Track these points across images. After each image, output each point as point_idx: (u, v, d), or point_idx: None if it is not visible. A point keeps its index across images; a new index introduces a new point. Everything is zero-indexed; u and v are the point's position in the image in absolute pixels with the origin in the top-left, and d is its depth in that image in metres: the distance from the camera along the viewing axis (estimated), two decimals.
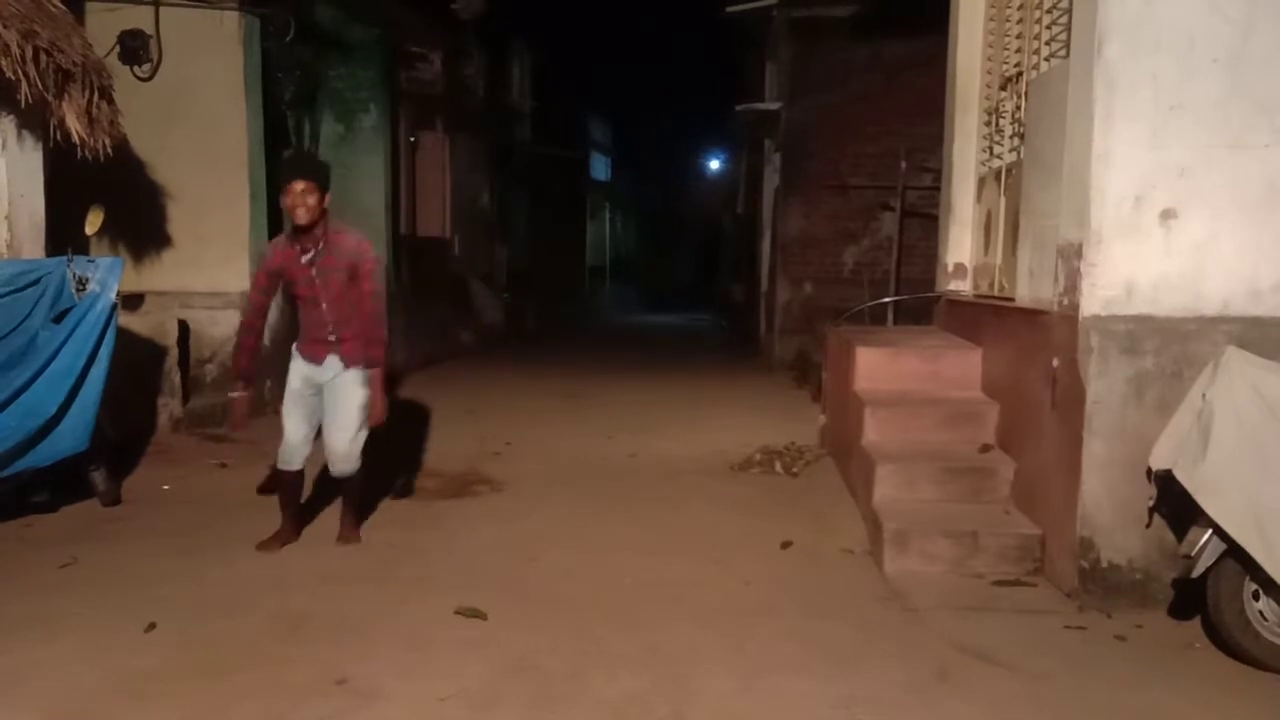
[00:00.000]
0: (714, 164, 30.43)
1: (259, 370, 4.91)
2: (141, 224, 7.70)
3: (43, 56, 5.28)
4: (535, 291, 17.84)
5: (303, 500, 5.01)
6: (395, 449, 7.11)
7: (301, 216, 4.46)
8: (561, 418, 8.54)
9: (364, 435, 4.74)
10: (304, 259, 4.57)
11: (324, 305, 4.62)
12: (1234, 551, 3.49)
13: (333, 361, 4.66)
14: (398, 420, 8.28)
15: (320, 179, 4.51)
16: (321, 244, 4.56)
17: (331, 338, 4.65)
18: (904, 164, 10.37)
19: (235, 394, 4.76)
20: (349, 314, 4.63)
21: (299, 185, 4.44)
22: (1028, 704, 3.26)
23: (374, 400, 4.70)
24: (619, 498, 5.84)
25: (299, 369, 4.73)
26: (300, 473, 4.84)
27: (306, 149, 10.71)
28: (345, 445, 4.70)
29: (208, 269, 7.98)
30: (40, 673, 3.36)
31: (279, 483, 4.90)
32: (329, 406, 4.71)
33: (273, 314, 8.35)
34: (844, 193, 11.62)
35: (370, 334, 4.66)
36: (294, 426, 4.73)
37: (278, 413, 7.98)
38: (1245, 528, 3.44)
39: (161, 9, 7.73)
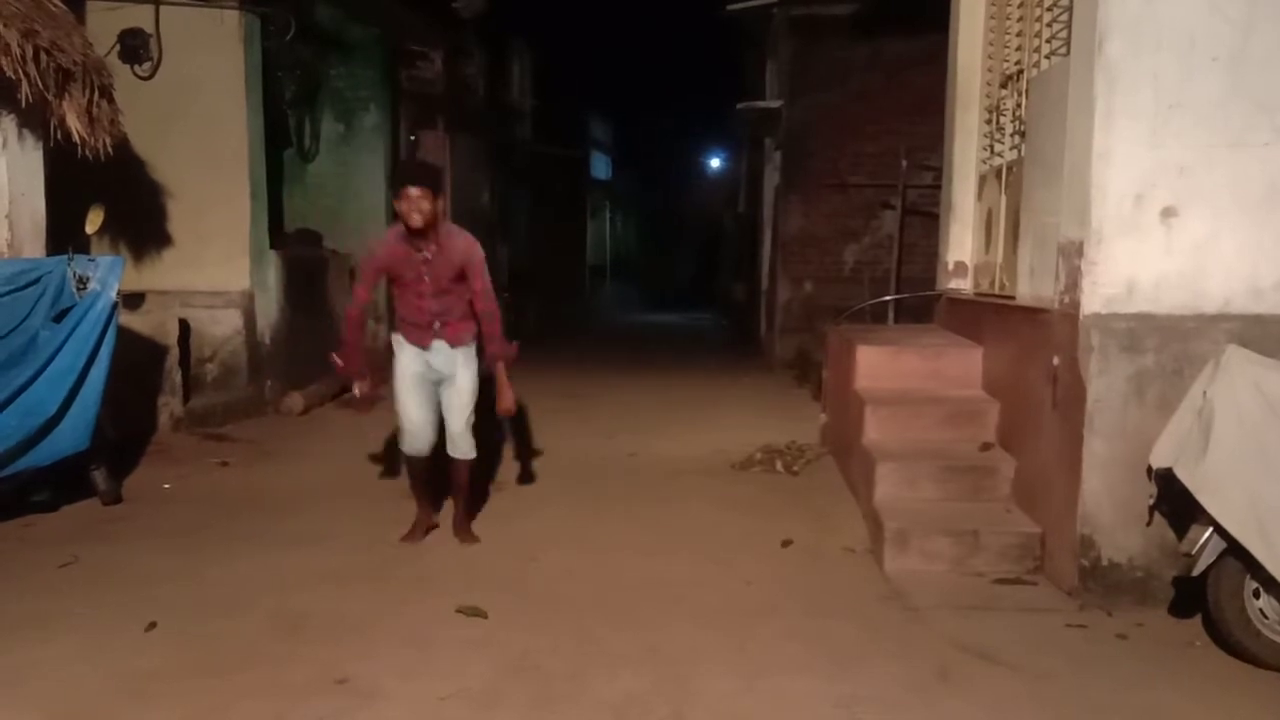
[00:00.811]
0: (714, 163, 30.44)
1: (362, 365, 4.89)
2: (142, 223, 7.70)
3: (43, 56, 5.29)
4: (536, 291, 17.82)
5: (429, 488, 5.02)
6: (396, 451, 7.12)
7: (416, 221, 4.50)
8: (562, 417, 8.53)
9: (472, 418, 4.83)
10: (418, 257, 4.62)
11: (429, 299, 4.69)
12: (1235, 550, 3.48)
13: (439, 345, 4.73)
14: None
15: (434, 184, 4.56)
16: (435, 246, 4.62)
17: (435, 325, 4.73)
18: (904, 162, 10.37)
19: (357, 392, 4.83)
20: (450, 304, 4.72)
21: (414, 191, 4.48)
22: (1029, 703, 3.25)
23: (502, 390, 4.82)
24: (619, 497, 5.84)
25: (412, 354, 4.77)
26: (428, 458, 4.89)
27: (308, 148, 10.74)
28: (461, 426, 4.80)
29: (208, 268, 7.98)
30: (40, 672, 3.36)
31: (409, 471, 4.96)
32: (446, 393, 4.80)
33: (273, 314, 8.46)
34: (844, 191, 11.62)
35: (491, 331, 4.78)
36: (414, 410, 4.79)
37: (278, 412, 7.94)
38: (1246, 526, 3.43)
39: (162, 8, 7.73)
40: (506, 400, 4.84)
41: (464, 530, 4.97)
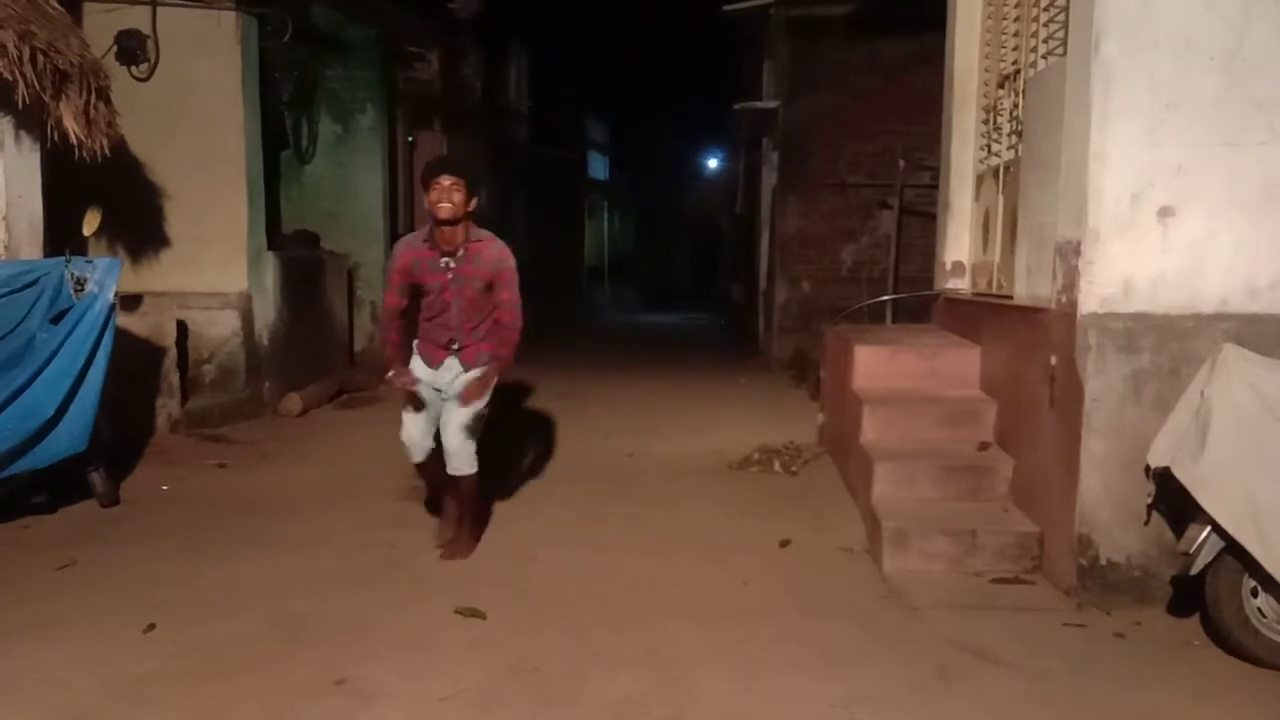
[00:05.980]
0: (712, 163, 30.42)
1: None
2: (139, 225, 7.69)
3: (40, 57, 5.28)
4: (533, 291, 17.80)
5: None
6: (394, 452, 7.11)
7: (444, 212, 4.34)
8: (560, 417, 8.53)
9: (476, 436, 4.63)
10: (442, 264, 4.44)
11: (452, 311, 4.52)
12: (1232, 548, 3.49)
13: (451, 364, 4.60)
14: (396, 423, 8.30)
15: (469, 178, 4.40)
16: (461, 251, 4.43)
17: (454, 345, 4.56)
18: (902, 162, 10.36)
19: (399, 378, 4.59)
20: (475, 321, 4.55)
21: (445, 180, 4.34)
22: (1028, 702, 3.26)
23: (486, 378, 4.52)
24: (617, 498, 5.84)
25: (419, 370, 4.65)
26: (429, 464, 4.77)
27: (305, 150, 10.73)
28: (459, 443, 4.57)
29: (206, 269, 7.98)
30: (38, 676, 3.35)
31: (421, 476, 4.94)
32: (446, 407, 4.64)
33: (270, 315, 8.46)
34: (842, 191, 11.63)
35: (506, 342, 4.57)
36: (411, 425, 4.66)
37: (276, 414, 7.95)
38: (1243, 524, 3.44)
39: (159, 9, 7.71)
40: (475, 394, 4.51)
41: (458, 543, 4.75)
